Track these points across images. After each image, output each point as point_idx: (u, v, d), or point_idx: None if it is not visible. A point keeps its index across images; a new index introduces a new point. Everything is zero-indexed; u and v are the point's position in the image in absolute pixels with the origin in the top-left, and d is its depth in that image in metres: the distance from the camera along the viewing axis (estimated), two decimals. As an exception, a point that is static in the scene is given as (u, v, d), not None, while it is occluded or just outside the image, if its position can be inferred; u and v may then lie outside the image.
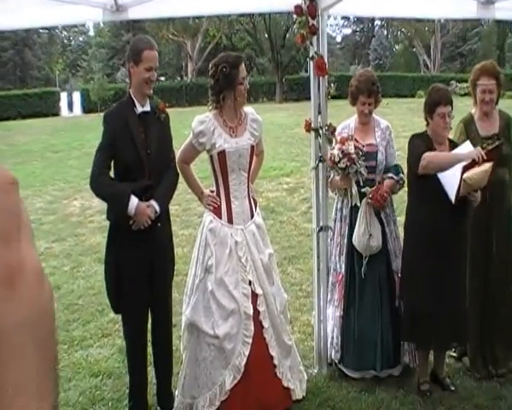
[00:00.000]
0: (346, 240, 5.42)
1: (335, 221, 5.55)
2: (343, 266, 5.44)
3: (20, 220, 0.63)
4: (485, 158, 4.66)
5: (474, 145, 4.93)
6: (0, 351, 0.58)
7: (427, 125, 5.09)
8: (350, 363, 5.46)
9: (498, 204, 5.32)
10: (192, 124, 4.80)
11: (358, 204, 5.25)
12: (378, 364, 5.30)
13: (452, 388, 5.22)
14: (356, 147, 5.06)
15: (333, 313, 5.54)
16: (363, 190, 5.21)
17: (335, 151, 5.06)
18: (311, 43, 5.25)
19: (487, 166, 4.70)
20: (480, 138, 5.29)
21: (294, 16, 5.28)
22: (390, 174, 5.32)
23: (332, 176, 5.32)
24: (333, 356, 5.54)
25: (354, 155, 5.03)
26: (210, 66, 4.82)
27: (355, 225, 5.28)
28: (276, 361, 4.83)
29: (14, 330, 0.59)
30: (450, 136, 5.23)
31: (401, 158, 5.57)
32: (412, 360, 5.45)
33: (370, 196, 5.18)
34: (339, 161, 5.03)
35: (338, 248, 5.49)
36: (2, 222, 0.62)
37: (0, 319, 0.59)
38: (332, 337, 5.53)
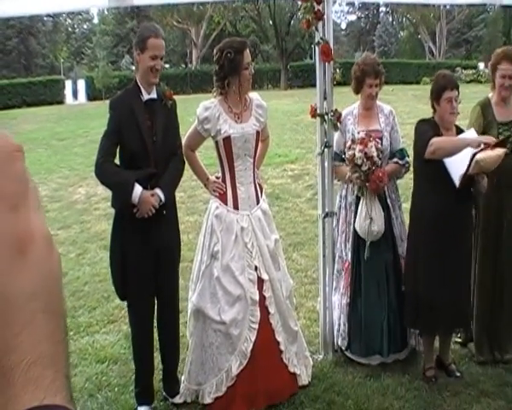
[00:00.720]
0: (351, 227, 5.40)
1: (340, 208, 5.53)
2: (349, 254, 5.44)
3: (27, 187, 0.63)
4: (493, 144, 4.66)
5: (490, 130, 4.92)
6: (13, 321, 0.58)
7: (434, 112, 5.06)
8: (357, 350, 5.47)
9: (508, 189, 5.28)
10: (197, 110, 4.79)
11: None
12: (385, 349, 5.32)
13: (458, 374, 5.22)
14: (377, 148, 5.05)
15: (339, 301, 5.54)
16: (355, 175, 5.16)
17: (357, 153, 5.01)
18: (317, 29, 5.23)
19: (501, 151, 4.69)
20: (497, 124, 5.25)
21: (299, 2, 5.26)
22: (395, 159, 5.32)
23: (348, 174, 5.23)
24: (339, 343, 5.55)
25: (376, 158, 5.03)
26: (215, 51, 4.81)
27: None
28: (282, 347, 4.84)
29: (26, 300, 0.59)
30: (465, 121, 5.21)
31: (407, 145, 5.55)
32: (418, 343, 5.48)
33: (366, 184, 5.14)
34: (361, 164, 5.01)
35: (343, 235, 5.49)
36: (10, 189, 0.62)
37: (12, 287, 0.59)
38: (338, 325, 5.54)
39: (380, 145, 5.14)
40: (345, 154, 5.25)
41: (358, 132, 5.25)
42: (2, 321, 0.58)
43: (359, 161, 5.00)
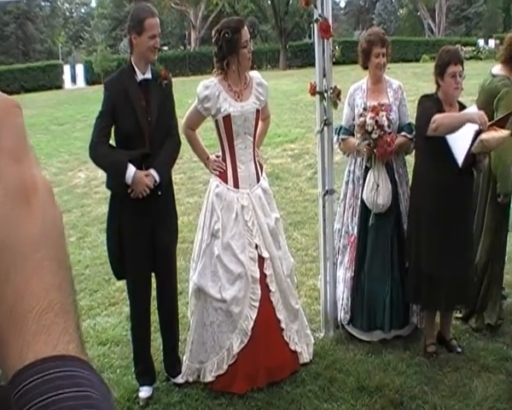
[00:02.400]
0: (358, 201, 5.41)
1: (348, 183, 5.54)
2: (355, 228, 5.46)
3: (27, 141, 0.65)
4: (487, 125, 4.66)
5: None
6: (23, 268, 0.59)
7: (438, 87, 5.02)
8: (359, 324, 5.49)
9: None
10: (197, 89, 4.78)
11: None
12: (387, 324, 5.35)
13: (459, 349, 5.24)
14: (387, 118, 5.05)
15: (343, 275, 5.56)
16: (365, 142, 5.15)
17: (369, 120, 5.01)
18: (316, 6, 5.21)
19: (505, 132, 4.70)
20: None
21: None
22: (403, 133, 5.31)
23: (356, 142, 5.23)
24: (341, 317, 5.57)
25: (386, 128, 5.03)
26: (213, 33, 4.80)
27: None
28: (283, 325, 4.85)
29: (34, 247, 0.60)
30: (468, 97, 5.19)
31: (409, 119, 5.54)
32: (420, 321, 5.49)
33: (374, 149, 5.12)
34: (372, 131, 5.00)
35: (351, 209, 5.50)
36: (13, 141, 0.63)
37: (20, 235, 0.60)
38: (342, 299, 5.55)
39: (390, 116, 5.14)
40: (353, 127, 5.28)
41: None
42: (13, 268, 0.59)
43: (369, 128, 5.00)
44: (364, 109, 5.11)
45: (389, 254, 5.35)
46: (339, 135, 5.44)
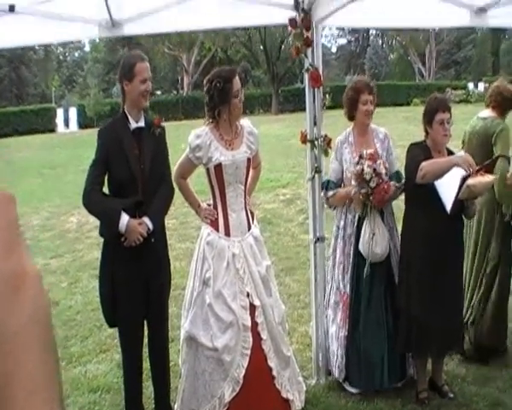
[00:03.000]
0: (351, 259, 5.34)
1: (337, 239, 5.46)
2: (348, 286, 5.36)
3: (19, 231, 0.69)
4: (473, 166, 4.70)
5: None
6: (11, 353, 0.62)
7: (427, 134, 5.08)
8: (356, 383, 5.40)
9: None
10: (188, 138, 4.82)
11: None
12: (385, 382, 5.26)
13: (451, 395, 5.22)
14: (385, 167, 5.02)
15: (336, 333, 5.46)
16: (362, 190, 5.05)
17: (366, 168, 4.94)
18: (306, 56, 5.29)
19: (491, 177, 4.75)
20: None
21: (289, 28, 5.32)
22: (393, 182, 5.23)
23: (353, 190, 5.11)
24: (336, 375, 5.48)
25: (384, 176, 4.99)
26: (204, 82, 4.85)
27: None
28: (274, 373, 4.83)
29: (22, 331, 0.63)
30: (457, 140, 5.25)
31: (397, 167, 5.58)
32: (415, 372, 5.42)
33: (371, 197, 5.03)
34: (370, 179, 4.95)
35: (341, 267, 5.41)
36: (5, 232, 0.67)
37: (9, 322, 0.63)
38: (336, 356, 5.45)
39: (387, 165, 5.10)
40: (341, 181, 5.29)
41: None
42: (2, 353, 0.62)
43: (368, 176, 4.93)
44: (361, 157, 5.03)
45: (384, 310, 5.27)
46: (327, 190, 5.38)
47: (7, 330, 0.63)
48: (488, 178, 4.73)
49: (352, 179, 5.10)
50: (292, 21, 5.23)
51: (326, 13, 5.05)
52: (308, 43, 5.24)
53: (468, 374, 5.60)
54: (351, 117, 5.44)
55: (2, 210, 0.68)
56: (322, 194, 5.44)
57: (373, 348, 5.26)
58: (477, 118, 5.82)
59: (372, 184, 4.95)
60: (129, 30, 5.42)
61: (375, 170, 4.94)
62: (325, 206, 5.55)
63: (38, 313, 0.66)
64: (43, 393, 0.63)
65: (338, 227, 5.47)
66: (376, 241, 5.12)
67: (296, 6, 5.23)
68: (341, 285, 5.42)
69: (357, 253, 5.27)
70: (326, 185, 5.39)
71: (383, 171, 4.97)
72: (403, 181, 5.26)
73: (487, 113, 5.74)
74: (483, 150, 5.40)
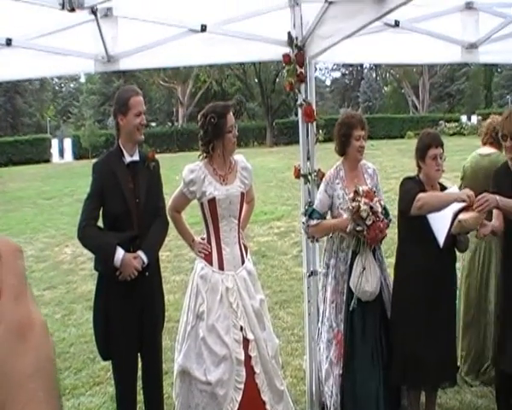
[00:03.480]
0: (344, 297, 5.27)
1: (327, 276, 5.41)
2: (341, 325, 5.30)
3: (26, 281, 0.72)
4: (473, 200, 4.72)
5: None
6: (17, 398, 0.64)
7: (419, 170, 5.10)
8: None
9: None
10: (183, 173, 4.85)
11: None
12: None
13: (444, 428, 5.21)
14: (381, 204, 5.00)
15: (330, 371, 5.39)
16: (358, 228, 5.00)
17: (363, 206, 4.89)
18: (300, 91, 5.34)
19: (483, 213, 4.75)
20: None
21: (283, 64, 5.39)
22: (385, 220, 5.13)
23: (349, 227, 5.02)
24: None
25: (380, 214, 4.96)
26: (199, 117, 4.90)
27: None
28: (268, 407, 4.81)
29: (28, 380, 0.66)
30: (451, 174, 5.26)
31: (391, 200, 5.60)
32: (410, 404, 5.36)
33: (365, 233, 4.98)
34: (366, 217, 4.91)
35: (334, 305, 5.34)
36: (13, 282, 0.70)
37: (16, 369, 0.66)
38: (331, 395, 5.36)
39: (382, 202, 5.08)
40: (331, 214, 5.30)
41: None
42: (9, 399, 0.64)
43: (364, 214, 4.88)
44: (357, 193, 4.97)
45: (378, 343, 5.22)
46: (310, 218, 5.32)
47: (13, 377, 0.66)
48: (479, 213, 4.72)
49: (346, 215, 5.07)
50: (286, 57, 5.30)
51: (319, 49, 5.10)
52: (301, 78, 5.30)
53: (461, 407, 5.61)
54: (342, 152, 5.40)
55: (11, 262, 0.71)
56: (303, 220, 5.42)
57: (368, 384, 5.19)
58: (479, 155, 5.88)
59: (368, 222, 4.92)
60: (124, 64, 5.47)
61: (371, 208, 4.91)
62: (319, 240, 5.54)
63: (44, 361, 0.69)
64: None
65: (328, 265, 5.41)
66: (367, 278, 5.08)
67: (290, 42, 5.30)
68: (334, 324, 5.35)
69: (349, 290, 5.21)
70: (310, 213, 5.34)
71: (379, 209, 4.95)
72: (390, 217, 5.25)
73: (487, 150, 5.84)
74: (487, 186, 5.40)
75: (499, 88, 66.54)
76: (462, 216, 4.67)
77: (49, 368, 0.70)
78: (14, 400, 0.65)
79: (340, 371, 5.29)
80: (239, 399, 4.65)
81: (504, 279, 5.03)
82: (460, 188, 5.69)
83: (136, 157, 4.69)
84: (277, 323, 7.61)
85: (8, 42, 4.83)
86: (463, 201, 4.69)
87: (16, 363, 0.66)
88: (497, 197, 4.62)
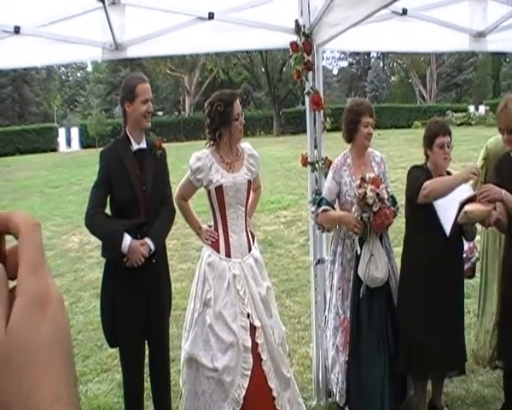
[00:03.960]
0: (350, 284, 5.30)
1: (334, 263, 5.43)
2: (347, 312, 5.33)
3: (44, 255, 0.74)
4: (479, 172, 4.71)
5: None
6: (36, 366, 0.67)
7: (427, 158, 5.10)
8: (357, 407, 5.35)
9: None
10: (189, 161, 4.86)
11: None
12: (386, 407, 5.17)
13: (450, 417, 5.23)
14: (387, 192, 5.02)
15: (336, 358, 5.43)
16: (364, 214, 5.01)
17: (369, 192, 4.91)
18: (307, 79, 5.35)
19: (490, 206, 4.71)
20: None
21: (291, 52, 5.38)
22: (392, 207, 5.15)
23: (355, 213, 5.05)
24: (337, 400, 5.45)
25: (386, 201, 4.98)
26: (205, 105, 4.90)
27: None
28: (274, 393, 4.83)
29: (46, 348, 0.68)
30: (457, 164, 5.24)
31: (398, 190, 5.59)
32: (416, 393, 5.40)
33: (371, 219, 4.99)
34: (373, 204, 4.92)
35: (340, 292, 5.37)
36: (32, 255, 0.72)
37: (35, 338, 0.68)
38: (337, 382, 5.42)
39: (389, 189, 5.10)
40: (338, 201, 5.32)
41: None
42: (28, 366, 0.67)
43: (371, 201, 4.90)
44: (363, 180, 4.98)
45: (384, 332, 5.24)
46: (319, 206, 5.32)
47: (33, 346, 0.68)
48: (489, 205, 4.68)
49: (353, 202, 5.10)
50: (293, 45, 5.30)
51: (327, 37, 5.10)
52: (309, 66, 5.30)
53: (467, 396, 5.61)
54: (349, 139, 5.42)
55: (29, 234, 0.73)
56: (312, 209, 5.43)
57: (373, 373, 5.21)
58: (495, 138, 5.79)
59: (374, 209, 4.94)
60: (132, 52, 5.48)
61: (378, 194, 4.92)
62: (329, 230, 5.54)
63: (61, 332, 0.71)
64: (64, 402, 0.68)
65: (335, 252, 5.43)
66: (376, 264, 5.09)
67: (297, 30, 5.29)
68: (341, 311, 5.38)
69: (356, 277, 5.22)
70: (318, 201, 5.36)
71: (385, 196, 4.96)
72: (397, 205, 5.27)
73: None
74: None
75: (507, 78, 66.16)
76: (468, 207, 4.64)
77: (65, 338, 0.72)
78: (33, 368, 0.67)
79: (346, 358, 5.32)
80: (246, 385, 4.67)
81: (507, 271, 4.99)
82: (481, 168, 5.67)
83: (144, 145, 4.70)
84: (284, 311, 7.63)
85: (17, 29, 4.84)
86: (469, 178, 4.69)
87: (35, 333, 0.68)
88: (503, 191, 4.59)
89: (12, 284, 0.72)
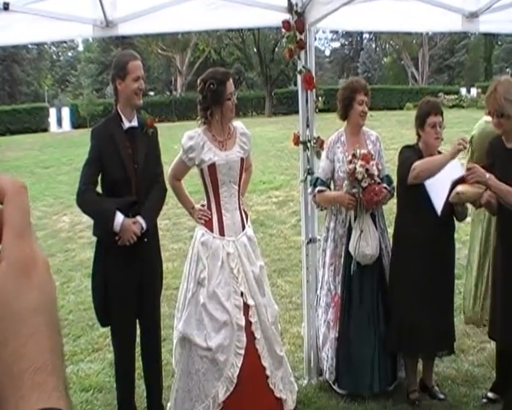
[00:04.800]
0: (342, 260, 5.31)
1: (327, 239, 5.44)
2: (339, 288, 5.34)
3: (29, 219, 0.72)
4: (466, 141, 4.70)
5: None
6: (20, 332, 0.66)
7: (419, 138, 5.10)
8: (346, 385, 5.39)
9: None
10: (182, 140, 4.84)
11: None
12: (375, 385, 5.24)
13: (441, 396, 5.25)
14: (378, 168, 5.03)
15: (327, 334, 5.45)
16: (353, 190, 5.06)
17: (359, 168, 4.94)
18: (299, 58, 5.32)
19: (482, 188, 4.70)
20: None
21: (283, 31, 5.35)
22: (384, 184, 5.20)
23: (344, 188, 5.12)
24: (327, 377, 5.49)
25: (376, 177, 5.00)
26: (198, 82, 4.87)
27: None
28: (268, 372, 4.85)
29: (31, 315, 0.67)
30: (447, 145, 5.22)
31: (390, 171, 5.60)
32: (406, 373, 5.43)
33: (361, 195, 5.02)
34: (362, 179, 4.95)
35: (332, 268, 5.39)
36: (17, 219, 0.70)
37: (19, 304, 0.67)
38: (327, 358, 5.45)
39: (380, 167, 5.12)
40: (332, 179, 5.32)
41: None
42: (12, 333, 0.66)
43: (360, 176, 4.93)
44: (354, 156, 5.02)
45: (375, 312, 5.27)
46: (315, 187, 5.33)
47: (17, 311, 0.67)
48: (479, 187, 4.66)
49: (345, 178, 5.11)
50: (285, 23, 5.26)
51: (319, 15, 5.08)
52: (301, 45, 5.27)
53: (458, 376, 5.64)
54: (344, 116, 5.42)
55: (15, 197, 0.71)
56: (309, 190, 5.43)
57: (363, 350, 5.25)
58: (485, 122, 5.79)
59: (363, 184, 4.96)
60: (123, 30, 5.44)
61: (367, 170, 4.95)
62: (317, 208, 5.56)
63: (47, 298, 0.70)
64: (50, 371, 0.67)
65: (327, 228, 5.45)
66: (367, 241, 5.11)
67: (290, 8, 5.26)
68: (332, 287, 5.40)
69: (347, 254, 5.25)
70: (314, 182, 5.36)
71: (375, 172, 4.98)
72: (393, 185, 5.27)
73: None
74: None
75: (499, 61, 66.09)
76: (460, 188, 4.63)
77: (51, 305, 0.71)
78: (16, 334, 0.66)
79: (337, 335, 5.34)
80: (239, 364, 4.67)
81: (501, 255, 4.99)
82: (470, 160, 5.67)
83: (135, 123, 4.67)
84: (275, 291, 7.63)
85: (6, 6, 4.78)
86: (456, 151, 4.66)
87: (20, 299, 0.67)
88: (487, 175, 4.56)
89: None
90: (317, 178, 5.35)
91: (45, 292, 0.70)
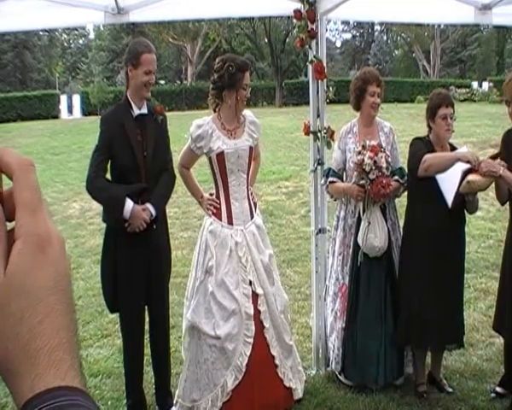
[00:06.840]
0: (350, 250, 5.30)
1: (337, 229, 5.43)
2: (347, 277, 5.34)
3: (41, 196, 0.71)
4: (479, 161, 4.66)
5: None
6: (37, 310, 0.66)
7: (430, 130, 5.08)
8: (351, 376, 5.38)
9: None
10: (190, 128, 4.83)
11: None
12: (381, 378, 5.22)
13: (449, 389, 5.24)
14: (386, 160, 4.98)
15: (334, 324, 5.45)
16: (361, 181, 5.04)
17: (367, 160, 4.91)
18: (310, 47, 5.30)
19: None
20: None
21: (294, 20, 5.33)
22: (396, 177, 5.18)
23: (353, 180, 5.12)
24: (333, 367, 5.49)
25: (385, 170, 4.96)
26: (217, 60, 4.84)
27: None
28: (277, 361, 4.85)
29: (46, 293, 0.67)
30: (458, 139, 5.20)
31: (401, 163, 5.57)
32: (415, 370, 5.39)
33: (368, 187, 4.99)
34: (369, 171, 4.92)
35: (341, 257, 5.38)
36: (29, 196, 0.69)
37: (35, 282, 0.66)
38: (333, 348, 5.45)
39: (389, 159, 5.07)
40: (344, 170, 5.32)
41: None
42: (28, 311, 0.65)
43: (367, 168, 4.90)
44: (363, 147, 4.99)
45: (383, 305, 5.24)
46: (327, 177, 5.32)
47: (33, 289, 0.66)
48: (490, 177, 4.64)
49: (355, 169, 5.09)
50: (297, 13, 5.24)
51: (331, 5, 5.06)
52: (312, 35, 5.25)
53: (466, 369, 5.63)
54: (357, 107, 5.40)
55: (24, 176, 0.71)
56: (322, 181, 5.42)
57: (370, 342, 5.23)
58: None
59: (371, 176, 4.93)
60: (134, 17, 5.43)
61: (375, 162, 4.92)
62: (327, 199, 5.55)
63: (62, 276, 0.70)
64: (65, 349, 0.67)
65: (338, 218, 5.45)
66: (375, 233, 5.09)
67: (302, -2, 5.24)
68: (340, 276, 5.40)
69: (356, 244, 5.23)
70: (327, 173, 5.35)
71: (384, 164, 4.94)
72: (406, 178, 5.23)
73: None
74: None
75: (512, 55, 65.83)
76: (471, 177, 4.62)
77: (66, 283, 0.70)
78: (33, 312, 0.66)
79: (343, 325, 5.34)
80: (248, 353, 4.68)
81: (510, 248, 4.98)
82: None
83: (145, 110, 4.67)
84: (284, 281, 7.63)
85: (18, -8, 4.79)
86: (468, 162, 4.65)
87: (36, 276, 0.67)
88: (501, 170, 4.55)
89: (10, 225, 0.70)
90: (329, 169, 5.35)
91: (60, 269, 0.70)
